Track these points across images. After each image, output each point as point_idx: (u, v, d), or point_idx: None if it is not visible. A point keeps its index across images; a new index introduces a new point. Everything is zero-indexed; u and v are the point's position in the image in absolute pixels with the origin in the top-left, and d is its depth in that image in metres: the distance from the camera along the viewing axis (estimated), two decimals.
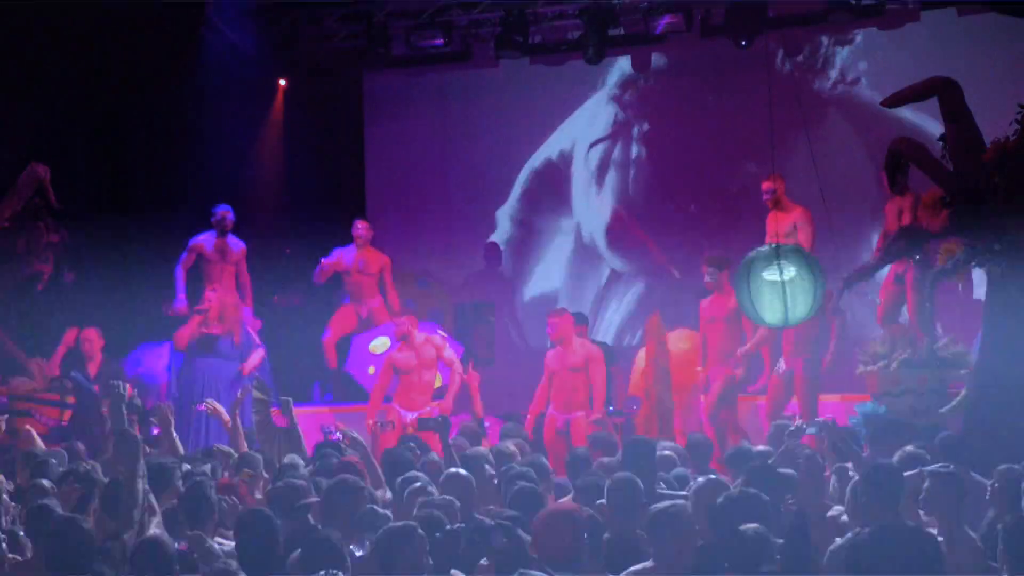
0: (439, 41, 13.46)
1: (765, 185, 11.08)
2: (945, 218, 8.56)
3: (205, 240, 12.02)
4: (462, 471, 6.58)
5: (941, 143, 8.69)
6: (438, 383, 11.43)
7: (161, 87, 12.72)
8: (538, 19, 13.46)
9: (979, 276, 9.06)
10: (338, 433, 7.72)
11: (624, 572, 5.01)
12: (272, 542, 5.15)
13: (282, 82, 14.18)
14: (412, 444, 8.01)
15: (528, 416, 10.73)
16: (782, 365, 10.39)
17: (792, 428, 7.73)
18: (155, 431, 8.23)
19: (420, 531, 4.83)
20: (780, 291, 8.67)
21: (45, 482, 6.68)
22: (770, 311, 8.89)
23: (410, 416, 10.68)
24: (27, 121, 11.67)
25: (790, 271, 8.62)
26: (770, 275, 8.66)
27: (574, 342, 10.63)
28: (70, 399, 10.63)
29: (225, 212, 12.10)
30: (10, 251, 10.40)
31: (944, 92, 8.69)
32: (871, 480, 5.46)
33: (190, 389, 10.76)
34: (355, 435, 7.73)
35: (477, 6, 13.53)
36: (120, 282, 13.29)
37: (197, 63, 12.80)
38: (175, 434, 8.12)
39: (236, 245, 12.16)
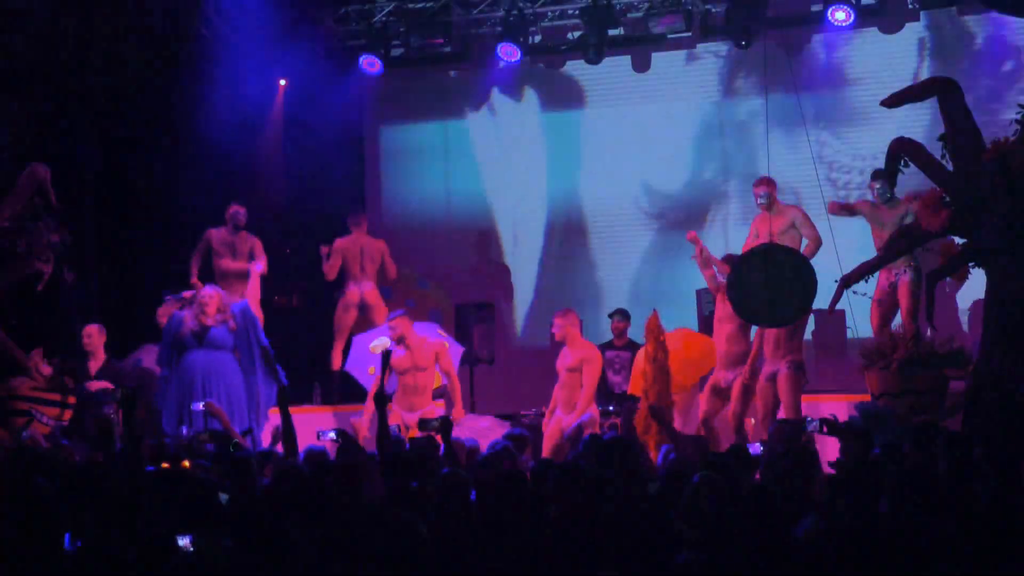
0: (439, 41, 13.48)
1: (760, 189, 11.07)
2: (945, 218, 8.56)
3: (217, 233, 12.19)
4: None
5: (941, 143, 8.69)
6: (437, 383, 11.42)
7: (162, 87, 12.73)
8: (538, 19, 13.47)
9: (979, 276, 9.06)
10: (331, 433, 7.70)
11: None
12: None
13: (282, 82, 14.18)
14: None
15: (546, 413, 10.77)
16: (767, 367, 10.34)
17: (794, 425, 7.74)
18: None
19: None
20: (767, 290, 8.70)
21: None
22: (758, 310, 8.93)
23: (411, 417, 10.69)
24: (27, 121, 11.67)
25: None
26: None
27: (575, 342, 10.64)
28: (70, 399, 10.62)
29: (236, 209, 12.23)
30: (10, 251, 10.38)
31: (944, 92, 8.69)
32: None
33: (184, 383, 10.73)
34: (349, 435, 7.73)
35: (477, 6, 13.54)
36: (120, 282, 13.30)
37: (197, 63, 12.80)
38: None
39: (247, 242, 12.28)
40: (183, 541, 5.04)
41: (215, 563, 4.86)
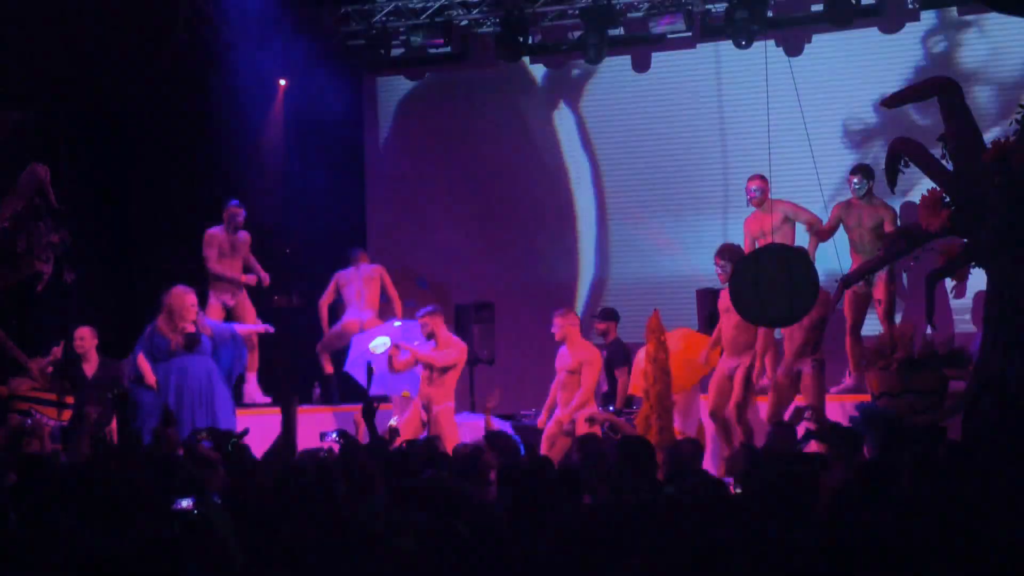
0: (439, 41, 13.48)
1: (753, 183, 11.11)
2: (945, 218, 8.57)
3: (217, 232, 12.20)
4: None
5: (941, 143, 8.69)
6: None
7: (161, 87, 12.73)
8: (538, 19, 13.46)
9: (979, 276, 9.06)
10: (333, 434, 7.71)
11: None
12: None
13: (282, 82, 14.17)
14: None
15: (543, 412, 10.80)
16: (788, 366, 10.35)
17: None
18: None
19: None
20: (757, 289, 8.73)
21: None
22: (748, 308, 8.96)
23: (427, 414, 10.74)
24: (27, 121, 11.67)
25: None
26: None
27: (575, 343, 10.63)
28: (70, 399, 10.62)
29: (236, 209, 12.20)
30: (10, 251, 10.40)
31: (944, 92, 8.70)
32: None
33: (170, 390, 10.73)
34: (351, 436, 7.73)
35: (477, 6, 13.53)
36: (120, 282, 13.31)
37: (197, 63, 12.80)
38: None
39: (244, 237, 12.32)
40: (185, 503, 5.07)
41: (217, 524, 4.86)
